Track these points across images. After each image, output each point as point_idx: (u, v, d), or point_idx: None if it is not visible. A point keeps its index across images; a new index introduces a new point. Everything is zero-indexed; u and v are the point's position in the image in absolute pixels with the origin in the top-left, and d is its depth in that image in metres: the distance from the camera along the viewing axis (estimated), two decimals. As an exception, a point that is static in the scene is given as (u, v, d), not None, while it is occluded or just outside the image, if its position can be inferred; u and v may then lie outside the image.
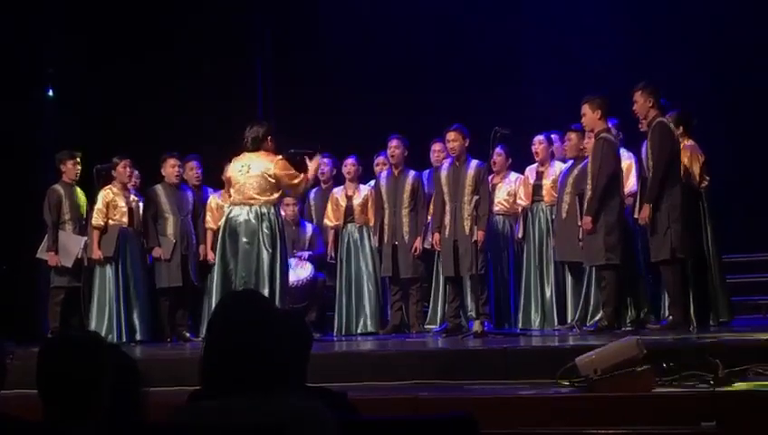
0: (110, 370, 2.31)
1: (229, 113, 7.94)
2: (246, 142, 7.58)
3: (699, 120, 7.96)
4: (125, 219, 8.94)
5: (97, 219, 8.82)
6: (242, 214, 7.45)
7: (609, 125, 7.68)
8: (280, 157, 7.58)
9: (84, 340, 2.37)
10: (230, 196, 7.67)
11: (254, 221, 7.41)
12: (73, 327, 8.51)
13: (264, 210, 7.44)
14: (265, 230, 7.39)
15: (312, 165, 7.68)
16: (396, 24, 11.38)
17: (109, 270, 8.82)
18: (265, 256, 7.36)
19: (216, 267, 7.65)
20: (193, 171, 9.35)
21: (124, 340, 8.64)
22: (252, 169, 7.48)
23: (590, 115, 7.60)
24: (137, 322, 8.90)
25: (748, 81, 10.20)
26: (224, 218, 7.66)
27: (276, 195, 7.55)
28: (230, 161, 7.77)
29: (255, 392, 2.38)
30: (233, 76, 11.14)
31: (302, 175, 7.60)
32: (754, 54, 10.12)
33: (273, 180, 7.47)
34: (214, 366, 2.45)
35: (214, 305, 7.38)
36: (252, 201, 7.45)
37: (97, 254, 8.79)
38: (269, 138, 7.58)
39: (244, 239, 7.40)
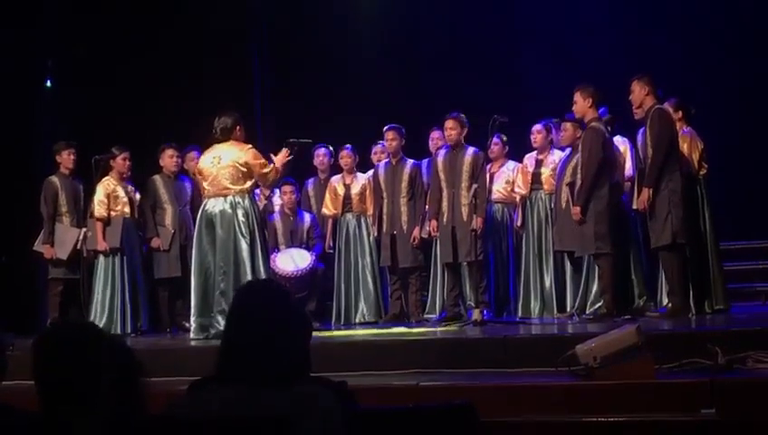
0: (108, 360, 2.30)
1: (227, 103, 7.91)
2: (215, 133, 7.52)
3: (698, 109, 7.97)
4: (127, 209, 8.93)
5: (100, 211, 8.78)
6: (217, 205, 7.41)
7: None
8: (250, 145, 7.52)
9: (79, 330, 2.37)
10: (203, 189, 7.64)
11: (229, 211, 7.36)
12: (72, 318, 8.51)
13: (239, 199, 7.39)
14: (241, 218, 7.35)
15: (280, 157, 7.58)
16: (394, 12, 11.36)
17: (114, 261, 8.81)
18: (243, 245, 7.32)
19: (193, 259, 7.61)
20: (193, 162, 9.32)
21: (129, 331, 8.65)
22: (222, 159, 7.43)
23: (581, 103, 7.63)
24: (141, 312, 8.91)
25: (748, 68, 10.17)
26: (200, 211, 7.60)
27: (249, 183, 7.48)
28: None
29: (271, 382, 2.39)
30: (230, 66, 11.11)
31: (272, 165, 7.53)
32: (755, 42, 10.10)
33: (245, 169, 7.42)
34: (233, 356, 2.47)
35: (193, 299, 7.44)
36: (226, 191, 7.40)
37: (103, 245, 8.76)
38: (238, 127, 7.51)
39: (220, 229, 7.37)
